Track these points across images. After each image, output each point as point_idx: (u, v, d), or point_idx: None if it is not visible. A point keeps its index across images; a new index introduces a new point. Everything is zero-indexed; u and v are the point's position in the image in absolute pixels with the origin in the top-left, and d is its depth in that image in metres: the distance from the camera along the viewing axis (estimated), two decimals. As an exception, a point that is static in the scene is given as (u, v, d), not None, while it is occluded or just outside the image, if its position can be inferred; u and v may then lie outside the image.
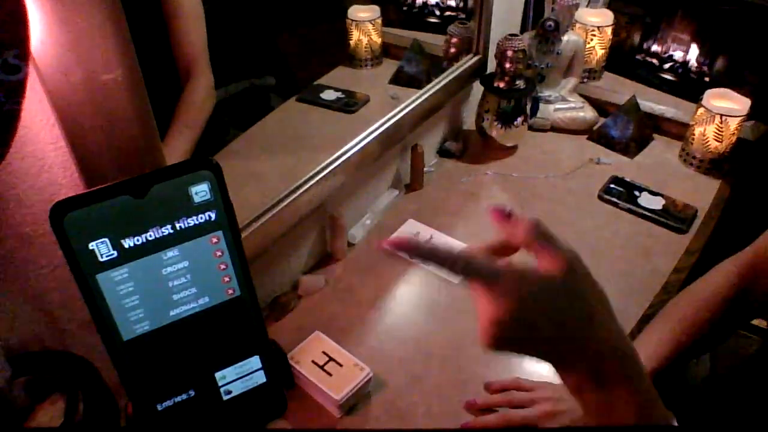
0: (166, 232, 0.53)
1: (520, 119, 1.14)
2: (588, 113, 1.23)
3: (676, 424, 0.45)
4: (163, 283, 0.56)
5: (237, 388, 0.65)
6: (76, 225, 0.49)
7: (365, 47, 1.11)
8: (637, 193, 1.06)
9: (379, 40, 1.12)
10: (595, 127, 1.22)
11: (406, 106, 0.99)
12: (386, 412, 0.73)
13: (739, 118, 1.05)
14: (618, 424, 0.41)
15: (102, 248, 0.51)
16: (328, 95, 1.06)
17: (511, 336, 0.41)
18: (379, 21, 1.10)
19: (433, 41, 1.16)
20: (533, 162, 1.16)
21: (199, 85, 0.80)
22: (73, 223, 0.49)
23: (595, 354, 0.41)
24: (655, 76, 1.33)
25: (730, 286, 0.72)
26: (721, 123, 1.05)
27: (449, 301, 0.87)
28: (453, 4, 1.22)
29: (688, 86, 1.28)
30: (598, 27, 1.25)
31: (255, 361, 0.65)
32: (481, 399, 0.73)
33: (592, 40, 1.26)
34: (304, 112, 1.04)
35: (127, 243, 0.52)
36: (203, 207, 0.54)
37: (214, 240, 0.56)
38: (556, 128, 1.24)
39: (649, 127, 1.21)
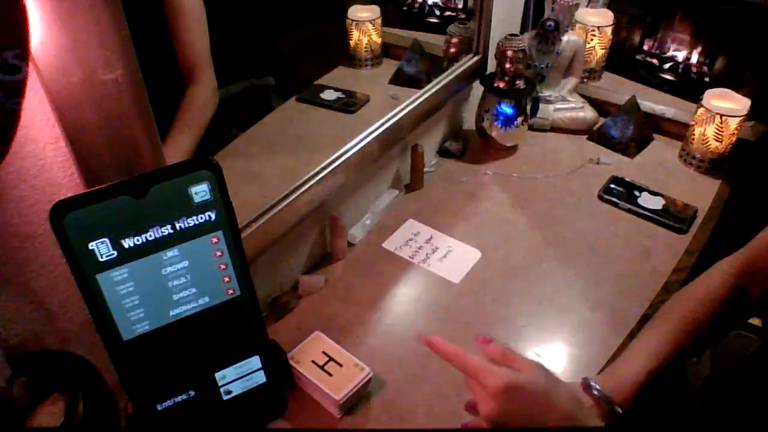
0: (166, 232, 0.53)
1: (520, 119, 1.14)
2: (588, 113, 1.23)
3: None
4: (163, 283, 0.56)
5: (237, 388, 0.65)
6: (76, 225, 0.49)
7: (365, 47, 1.11)
8: (637, 193, 1.06)
9: (379, 40, 1.12)
10: (595, 127, 1.22)
11: (406, 106, 0.99)
12: (386, 412, 0.73)
13: (739, 118, 1.05)
14: None
15: (102, 248, 0.51)
16: (328, 95, 1.06)
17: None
18: (379, 21, 1.10)
19: (433, 41, 1.16)
20: (533, 162, 1.16)
21: (201, 87, 0.80)
22: (73, 223, 0.49)
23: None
24: (655, 76, 1.33)
25: (728, 285, 0.72)
26: (721, 123, 1.05)
27: (449, 301, 0.87)
28: (453, 4, 1.22)
29: (688, 86, 1.28)
30: (598, 27, 1.25)
31: (255, 361, 0.65)
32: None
33: (592, 40, 1.26)
34: (304, 112, 1.04)
35: (127, 243, 0.52)
36: (203, 207, 0.54)
37: (214, 240, 0.56)
38: (556, 128, 1.24)
39: (649, 127, 1.21)
